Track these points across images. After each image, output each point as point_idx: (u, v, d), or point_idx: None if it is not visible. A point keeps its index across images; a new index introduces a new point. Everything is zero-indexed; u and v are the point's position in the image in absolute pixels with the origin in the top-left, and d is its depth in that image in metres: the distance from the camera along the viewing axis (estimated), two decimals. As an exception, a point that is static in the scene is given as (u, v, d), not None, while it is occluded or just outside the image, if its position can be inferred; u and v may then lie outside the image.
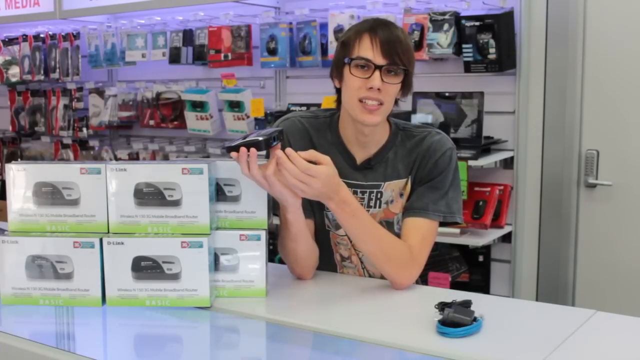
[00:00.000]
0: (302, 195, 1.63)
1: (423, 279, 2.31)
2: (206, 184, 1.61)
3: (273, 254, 2.57)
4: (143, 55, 4.03)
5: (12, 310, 1.65)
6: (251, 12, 3.71)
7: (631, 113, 3.06)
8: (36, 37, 4.57)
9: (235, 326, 1.63)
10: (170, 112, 4.03)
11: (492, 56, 2.94)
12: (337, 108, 1.86)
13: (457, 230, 2.93)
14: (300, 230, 1.73)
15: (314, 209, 1.86)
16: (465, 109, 3.06)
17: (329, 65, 1.87)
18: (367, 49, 1.70)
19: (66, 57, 4.36)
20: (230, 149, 1.58)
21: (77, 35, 4.34)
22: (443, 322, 1.44)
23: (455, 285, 2.93)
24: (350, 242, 1.87)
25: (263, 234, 1.68)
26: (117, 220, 1.64)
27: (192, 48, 3.85)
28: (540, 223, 3.17)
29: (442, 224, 1.83)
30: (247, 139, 1.58)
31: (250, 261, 1.69)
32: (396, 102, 1.79)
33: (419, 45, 3.09)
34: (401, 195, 1.84)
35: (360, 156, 1.84)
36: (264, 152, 1.63)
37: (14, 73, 4.73)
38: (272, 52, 3.58)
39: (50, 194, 1.65)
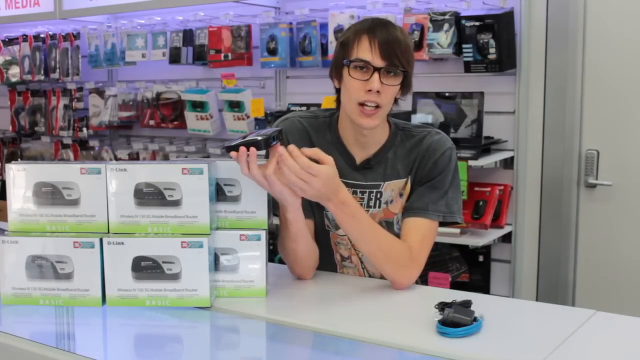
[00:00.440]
0: (302, 194, 1.62)
1: (423, 279, 2.31)
2: (206, 184, 1.61)
3: (273, 254, 2.57)
4: (143, 55, 4.03)
5: (12, 310, 1.64)
6: (251, 12, 3.71)
7: (631, 113, 3.06)
8: (36, 37, 4.57)
9: (235, 326, 1.63)
10: (170, 112, 4.03)
11: (492, 56, 2.94)
12: (336, 108, 1.86)
13: (457, 230, 2.93)
14: (300, 230, 1.73)
15: (314, 209, 1.86)
16: (465, 109, 3.06)
17: (329, 65, 1.87)
18: (365, 51, 1.70)
19: (66, 57, 4.36)
20: (229, 149, 1.58)
21: (77, 35, 4.34)
22: (443, 322, 1.44)
23: (455, 285, 2.93)
24: (351, 242, 1.87)
25: (263, 234, 1.68)
26: (117, 220, 1.64)
27: (192, 48, 3.85)
28: (540, 223, 3.17)
29: (442, 224, 1.83)
30: (247, 139, 1.58)
31: (250, 261, 1.69)
32: (396, 101, 1.79)
33: (419, 45, 3.09)
34: (401, 195, 1.84)
35: (359, 156, 1.84)
36: (263, 152, 1.63)
37: (14, 73, 4.73)
38: (272, 52, 3.58)
39: (50, 194, 1.65)
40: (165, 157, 4.02)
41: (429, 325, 1.47)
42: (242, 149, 1.56)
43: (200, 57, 3.82)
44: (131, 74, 4.28)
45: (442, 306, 1.48)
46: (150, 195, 1.62)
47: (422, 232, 1.78)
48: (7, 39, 4.79)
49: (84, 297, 1.64)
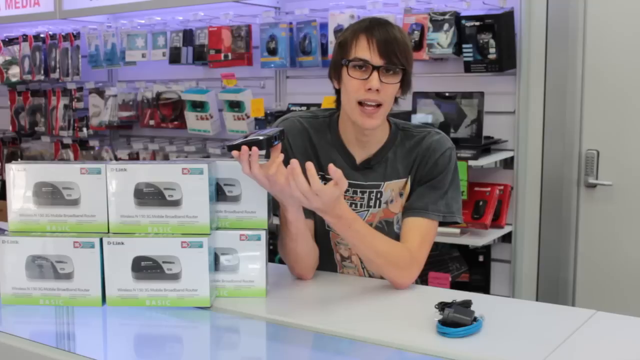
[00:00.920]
0: (298, 204, 1.64)
1: (423, 279, 2.31)
2: (206, 184, 1.61)
3: (273, 254, 2.57)
4: (143, 55, 4.03)
5: (12, 310, 1.64)
6: (251, 12, 3.71)
7: (631, 113, 3.06)
8: (36, 37, 4.57)
9: (235, 326, 1.63)
10: (170, 112, 4.03)
11: (492, 56, 2.94)
12: (336, 108, 1.86)
13: (457, 230, 2.93)
14: (300, 230, 1.73)
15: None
16: (465, 109, 3.06)
17: (329, 65, 1.87)
18: (364, 50, 1.70)
19: (66, 57, 4.36)
20: (231, 148, 1.58)
21: (77, 35, 4.33)
22: (443, 322, 1.44)
23: (455, 285, 2.94)
24: (351, 242, 1.87)
25: (263, 234, 1.68)
26: (117, 220, 1.64)
27: (192, 48, 3.85)
28: (540, 223, 3.17)
29: (441, 224, 1.83)
30: (249, 138, 1.58)
31: (250, 261, 1.69)
32: (396, 100, 1.79)
33: (419, 45, 3.09)
34: (401, 195, 1.85)
35: (359, 156, 1.84)
36: (263, 152, 1.63)
37: (14, 73, 4.73)
38: (272, 52, 3.58)
39: (51, 194, 1.65)
40: (165, 157, 4.02)
41: (429, 325, 1.47)
42: (244, 148, 1.56)
43: (200, 57, 3.82)
44: (131, 74, 4.28)
45: (442, 306, 1.48)
46: (150, 195, 1.62)
47: (422, 232, 1.78)
48: (7, 39, 4.78)
49: (84, 297, 1.64)
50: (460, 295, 1.59)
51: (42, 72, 4.53)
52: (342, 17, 3.32)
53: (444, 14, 3.05)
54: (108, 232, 1.65)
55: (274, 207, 1.76)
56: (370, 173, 1.84)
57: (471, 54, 2.99)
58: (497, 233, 3.02)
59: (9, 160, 4.30)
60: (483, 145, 2.99)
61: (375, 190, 1.84)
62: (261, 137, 1.57)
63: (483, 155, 2.96)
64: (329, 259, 1.91)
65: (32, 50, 4.56)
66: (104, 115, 4.26)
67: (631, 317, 1.55)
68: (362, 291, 1.77)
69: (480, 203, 3.01)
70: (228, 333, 1.62)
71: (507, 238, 3.08)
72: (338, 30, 3.30)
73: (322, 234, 1.88)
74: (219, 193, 1.69)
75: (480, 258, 3.15)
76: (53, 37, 4.47)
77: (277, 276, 1.85)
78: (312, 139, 1.85)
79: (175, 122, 4.01)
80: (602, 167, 3.12)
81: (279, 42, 3.55)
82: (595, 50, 3.10)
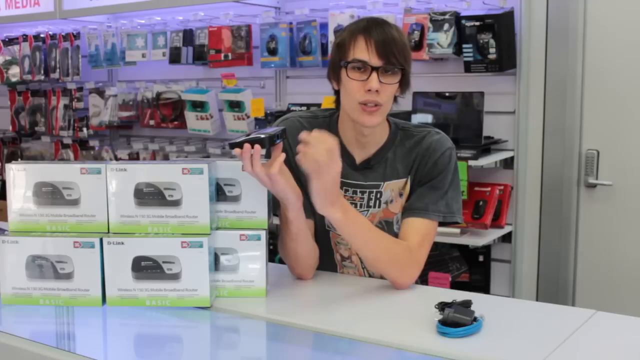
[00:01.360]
0: (315, 178, 1.59)
1: (423, 279, 2.31)
2: (206, 184, 1.61)
3: (273, 254, 2.57)
4: (143, 55, 4.03)
5: (12, 310, 1.64)
6: (251, 12, 3.71)
7: (631, 113, 3.06)
8: (36, 37, 4.57)
9: (235, 326, 1.63)
10: (170, 112, 4.03)
11: (492, 56, 2.94)
12: (336, 108, 1.86)
13: (457, 230, 2.93)
14: (300, 230, 1.73)
15: (314, 209, 1.86)
16: (465, 109, 3.06)
17: (327, 66, 1.87)
18: (362, 51, 1.70)
19: (66, 57, 4.36)
20: (233, 146, 1.58)
21: (77, 35, 4.33)
22: (443, 322, 1.44)
23: (455, 285, 2.94)
24: (351, 242, 1.87)
25: (263, 234, 1.68)
26: (117, 220, 1.64)
27: (192, 48, 3.85)
28: (540, 223, 3.17)
29: (441, 224, 1.83)
30: (251, 136, 1.58)
31: (250, 261, 1.69)
32: (395, 99, 1.79)
33: (419, 45, 3.09)
34: (400, 195, 1.85)
35: (359, 156, 1.84)
36: (264, 152, 1.63)
37: (14, 73, 4.73)
38: (272, 52, 3.58)
39: (51, 194, 1.65)
40: (165, 157, 4.02)
41: (429, 325, 1.47)
42: (247, 145, 1.57)
43: (200, 57, 3.82)
44: (131, 74, 4.28)
45: (442, 306, 1.48)
46: (150, 195, 1.62)
47: (422, 232, 1.79)
48: (7, 39, 4.79)
49: (84, 297, 1.64)
50: (460, 295, 1.59)
51: (42, 72, 4.53)
52: (342, 17, 3.32)
53: (444, 14, 3.05)
54: (108, 232, 1.65)
55: (274, 206, 1.76)
56: (370, 173, 1.84)
57: (471, 54, 2.99)
58: (497, 233, 3.02)
59: (9, 160, 4.30)
60: (483, 145, 2.99)
61: (375, 191, 1.84)
62: (263, 135, 1.58)
63: (483, 155, 2.96)
64: (329, 259, 1.91)
65: (32, 50, 4.56)
66: (104, 115, 4.26)
67: (631, 317, 1.55)
68: (362, 291, 1.77)
69: (480, 203, 3.01)
70: (228, 333, 1.62)
71: (507, 238, 3.08)
72: (338, 30, 3.28)
73: (322, 234, 1.88)
74: (219, 193, 1.69)
75: (480, 258, 3.15)
76: (53, 37, 4.47)
77: (277, 276, 1.85)
78: (312, 139, 1.85)
79: (175, 122, 4.01)
80: (602, 167, 3.12)
81: (279, 42, 3.55)
82: (595, 50, 3.10)
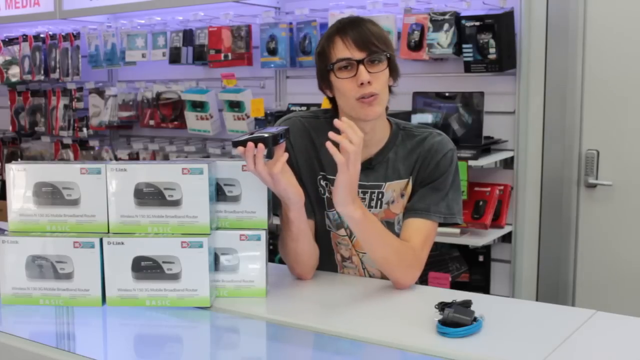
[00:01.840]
0: (347, 162, 1.59)
1: (423, 279, 2.31)
2: (206, 184, 1.61)
3: (273, 254, 2.57)
4: (143, 55, 4.03)
5: (12, 310, 1.65)
6: (251, 12, 3.71)
7: (631, 113, 3.06)
8: (36, 37, 4.57)
9: (235, 326, 1.63)
10: (170, 112, 4.03)
11: (492, 56, 2.94)
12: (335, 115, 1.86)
13: (457, 230, 2.93)
14: (301, 230, 1.74)
15: (315, 209, 1.86)
16: (465, 108, 3.06)
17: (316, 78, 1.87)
18: (342, 50, 1.71)
19: (66, 57, 4.36)
20: (236, 144, 1.58)
21: (77, 35, 4.33)
22: (443, 322, 1.44)
23: (455, 285, 2.94)
24: (351, 242, 1.87)
25: (263, 234, 1.68)
26: (117, 220, 1.64)
27: (192, 48, 3.85)
28: (540, 223, 3.17)
29: (442, 224, 1.83)
30: (254, 135, 1.58)
31: (250, 261, 1.69)
32: (390, 90, 1.79)
33: (419, 45, 3.09)
34: (402, 195, 1.85)
35: (361, 156, 1.84)
36: (266, 151, 1.63)
37: (14, 73, 4.72)
38: (272, 52, 3.58)
39: (50, 194, 1.65)
40: (165, 157, 4.02)
41: (429, 325, 1.47)
42: (250, 144, 1.57)
43: (200, 57, 3.82)
44: (131, 74, 4.28)
45: (442, 306, 1.48)
46: (150, 195, 1.62)
47: (424, 233, 1.79)
48: (7, 39, 4.78)
49: (84, 297, 1.64)
50: (460, 295, 1.59)
51: (42, 72, 4.53)
52: (342, 17, 3.31)
53: (444, 14, 3.05)
54: (108, 232, 1.65)
55: (275, 206, 1.76)
56: (372, 173, 1.84)
57: (471, 54, 2.99)
58: (497, 233, 3.02)
59: (9, 160, 4.31)
60: (483, 145, 2.99)
61: (376, 191, 1.84)
62: (267, 134, 1.58)
63: (483, 155, 2.96)
64: (329, 259, 1.91)
65: (32, 50, 4.56)
66: (104, 115, 4.26)
67: (631, 317, 1.55)
68: (363, 291, 1.77)
69: (480, 203, 3.01)
70: (228, 333, 1.62)
71: (507, 238, 3.08)
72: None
73: (323, 234, 1.88)
74: (219, 193, 1.69)
75: (480, 258, 3.15)
76: (53, 37, 4.47)
77: (277, 276, 1.85)
78: (313, 139, 1.85)
79: (175, 122, 4.01)
80: (602, 167, 3.12)
81: (279, 42, 3.55)
82: (595, 50, 3.10)
